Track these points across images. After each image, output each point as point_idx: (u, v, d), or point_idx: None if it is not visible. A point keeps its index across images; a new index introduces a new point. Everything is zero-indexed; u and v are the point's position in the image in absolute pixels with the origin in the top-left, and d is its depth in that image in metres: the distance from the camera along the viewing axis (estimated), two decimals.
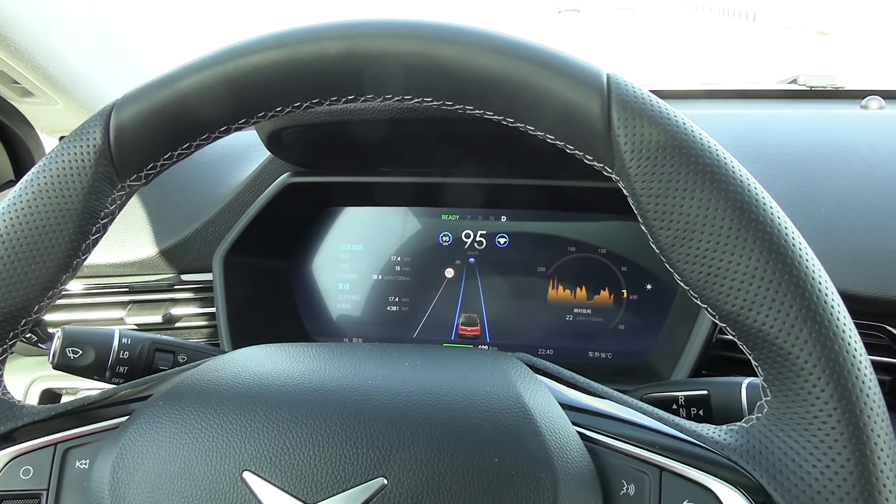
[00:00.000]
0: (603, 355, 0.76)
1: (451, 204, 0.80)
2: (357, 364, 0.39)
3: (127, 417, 0.38)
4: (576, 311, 0.76)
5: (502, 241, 0.78)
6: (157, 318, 0.80)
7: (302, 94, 0.36)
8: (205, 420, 0.35)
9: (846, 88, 0.98)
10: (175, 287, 0.81)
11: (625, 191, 0.34)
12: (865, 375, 0.30)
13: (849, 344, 0.30)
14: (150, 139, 0.37)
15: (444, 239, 0.79)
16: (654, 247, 0.34)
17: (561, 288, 0.77)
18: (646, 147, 0.33)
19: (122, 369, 0.55)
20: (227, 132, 0.38)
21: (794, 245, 0.31)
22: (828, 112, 0.83)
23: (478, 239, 0.79)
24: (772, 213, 0.32)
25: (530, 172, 0.73)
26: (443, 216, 0.80)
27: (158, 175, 0.39)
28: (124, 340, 0.56)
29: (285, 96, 0.36)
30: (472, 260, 0.79)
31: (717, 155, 0.33)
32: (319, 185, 0.78)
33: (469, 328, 0.78)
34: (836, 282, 0.63)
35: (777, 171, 0.72)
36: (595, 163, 0.35)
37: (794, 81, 1.03)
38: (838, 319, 0.31)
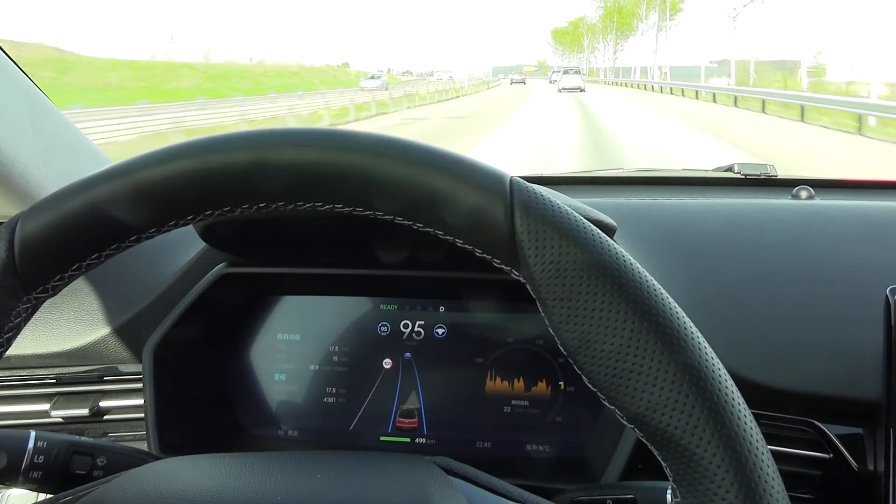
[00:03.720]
0: (541, 448, 0.79)
1: (389, 294, 0.84)
2: (268, 478, 0.41)
3: None
4: (514, 402, 0.80)
5: (440, 331, 0.82)
6: (84, 412, 0.82)
7: (212, 203, 0.39)
8: None
9: (779, 177, 1.07)
10: (105, 378, 0.84)
11: (532, 294, 0.36)
12: (768, 474, 0.32)
13: (751, 443, 0.33)
14: (57, 251, 0.38)
15: (383, 329, 0.83)
16: (561, 349, 0.36)
17: (499, 379, 0.80)
18: (549, 251, 0.35)
19: (35, 474, 0.56)
20: (139, 241, 0.40)
21: (694, 346, 0.34)
22: (760, 202, 0.91)
23: (416, 329, 0.83)
24: (672, 315, 0.34)
25: (468, 264, 0.79)
26: (381, 306, 0.84)
27: (67, 285, 0.40)
28: (40, 444, 0.56)
29: (196, 206, 0.39)
30: (407, 355, 0.82)
31: (618, 258, 0.35)
32: (256, 275, 0.82)
33: (406, 420, 0.82)
34: (765, 377, 0.69)
35: (710, 264, 0.78)
36: (503, 266, 0.37)
37: (730, 169, 1.12)
38: (740, 418, 0.33)
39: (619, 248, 0.36)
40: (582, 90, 38.62)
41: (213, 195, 0.38)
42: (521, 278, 0.37)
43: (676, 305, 0.35)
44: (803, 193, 0.97)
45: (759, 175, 1.08)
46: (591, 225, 0.37)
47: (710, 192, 1.10)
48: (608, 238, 0.37)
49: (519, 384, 0.80)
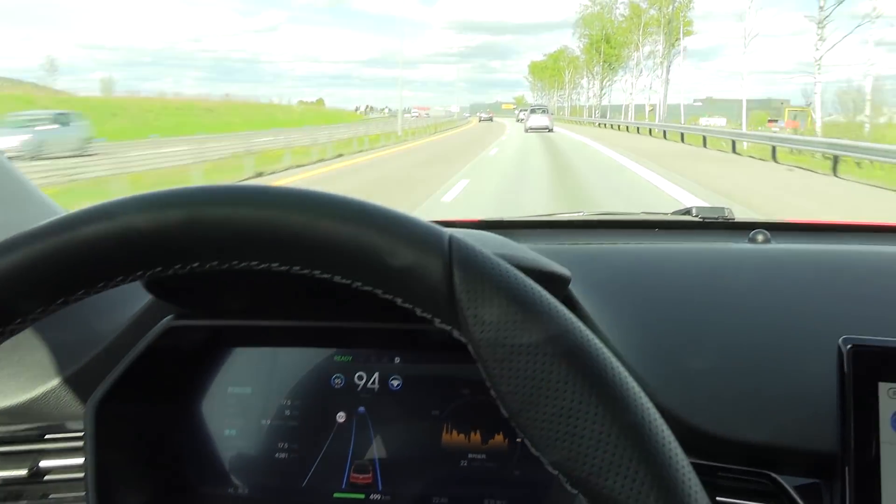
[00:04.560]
0: (498, 503, 0.80)
1: (343, 345, 0.84)
2: None
3: None
4: (470, 456, 0.80)
5: (396, 383, 0.83)
6: (23, 472, 0.81)
7: (144, 263, 0.39)
8: None
9: (735, 220, 1.12)
10: (45, 437, 0.84)
11: (473, 354, 0.37)
12: None
13: None
14: None
15: (337, 381, 0.83)
16: (503, 412, 0.36)
17: (455, 432, 0.81)
18: (488, 311, 0.35)
19: None
20: (67, 304, 0.40)
21: (636, 406, 0.34)
22: (716, 247, 0.94)
23: (371, 381, 0.83)
24: (613, 375, 0.35)
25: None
26: (335, 357, 0.84)
27: (4, 341, 0.41)
28: None
29: (126, 266, 0.39)
30: (361, 409, 0.82)
31: (558, 317, 0.36)
32: (205, 327, 0.83)
33: (361, 476, 0.81)
34: (720, 428, 0.71)
35: (665, 312, 0.80)
36: (444, 326, 0.38)
37: (688, 213, 1.16)
38: (685, 482, 0.33)
39: (561, 306, 0.37)
40: (550, 129, 37.87)
41: (144, 256, 0.38)
42: (461, 338, 0.37)
43: (619, 366, 0.36)
44: (759, 237, 1.00)
45: (717, 218, 1.12)
46: (533, 283, 0.37)
47: (668, 235, 1.14)
48: (550, 297, 0.37)
49: (476, 437, 0.81)
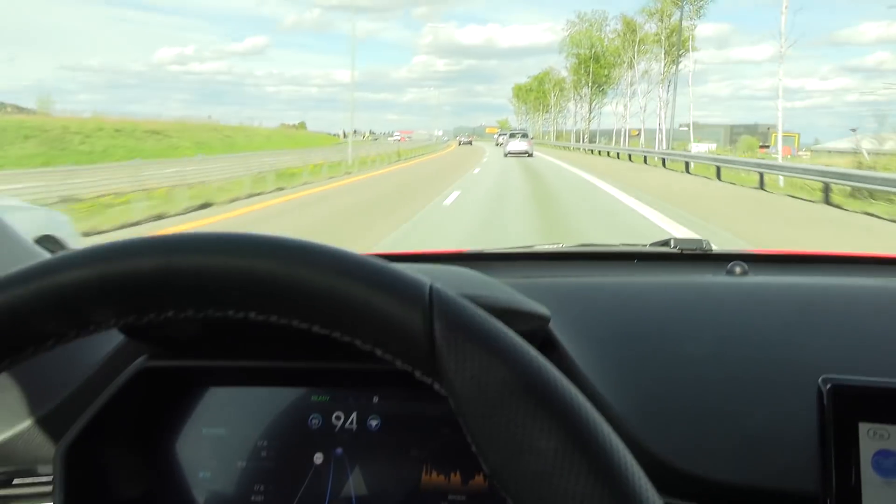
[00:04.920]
0: None
1: (320, 384, 0.84)
2: None
3: None
4: (450, 497, 0.79)
5: (374, 423, 0.82)
6: None
7: (117, 312, 0.39)
8: None
9: (714, 252, 1.13)
10: (14, 482, 0.82)
11: (453, 408, 0.36)
12: None
13: None
14: None
15: (314, 422, 0.83)
16: (485, 469, 0.36)
17: (435, 473, 0.80)
18: (469, 365, 0.35)
19: None
20: (37, 353, 0.40)
21: (620, 464, 0.34)
22: (695, 280, 0.96)
23: (348, 421, 0.82)
24: (596, 431, 0.35)
25: None
26: (312, 397, 0.84)
27: None
28: None
29: (98, 315, 0.39)
30: (339, 450, 0.82)
31: (541, 372, 0.35)
32: (179, 368, 0.83)
33: None
34: (701, 469, 0.70)
35: (646, 350, 0.80)
36: (424, 378, 0.38)
37: (667, 244, 1.18)
38: None
39: (544, 359, 0.37)
40: (529, 154, 37.43)
41: (116, 304, 0.38)
42: (442, 391, 0.37)
43: (600, 418, 0.35)
44: (737, 269, 1.02)
45: (695, 250, 1.14)
46: (515, 336, 0.37)
47: (647, 267, 1.15)
48: (532, 350, 0.37)
49: (456, 478, 0.80)
